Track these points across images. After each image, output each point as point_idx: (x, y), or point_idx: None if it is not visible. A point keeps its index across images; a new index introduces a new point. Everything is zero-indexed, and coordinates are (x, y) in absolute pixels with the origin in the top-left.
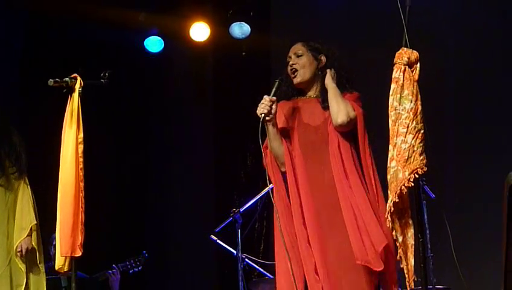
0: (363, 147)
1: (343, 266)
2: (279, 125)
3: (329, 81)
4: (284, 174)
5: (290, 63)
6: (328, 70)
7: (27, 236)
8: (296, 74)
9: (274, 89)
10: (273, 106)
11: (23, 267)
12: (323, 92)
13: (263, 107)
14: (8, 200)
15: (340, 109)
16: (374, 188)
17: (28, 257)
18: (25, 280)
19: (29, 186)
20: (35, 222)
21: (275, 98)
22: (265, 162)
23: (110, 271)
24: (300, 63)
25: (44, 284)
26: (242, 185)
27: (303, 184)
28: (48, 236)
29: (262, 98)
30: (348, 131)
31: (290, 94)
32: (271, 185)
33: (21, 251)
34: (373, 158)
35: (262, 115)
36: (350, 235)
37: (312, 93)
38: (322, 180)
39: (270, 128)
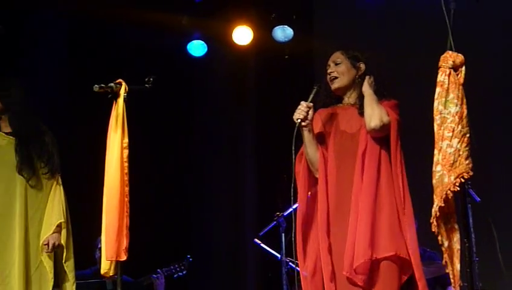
0: (394, 153)
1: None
2: (316, 131)
3: (366, 88)
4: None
5: (329, 71)
6: (366, 78)
7: (54, 232)
8: (334, 80)
9: (312, 95)
10: (310, 112)
11: (49, 264)
12: (361, 99)
13: (299, 112)
14: (40, 200)
15: (374, 114)
16: (402, 196)
17: (57, 255)
18: (52, 278)
19: (61, 187)
20: (63, 220)
21: (311, 104)
22: (297, 169)
23: (154, 275)
24: (339, 70)
25: (72, 283)
26: (285, 189)
27: (332, 192)
28: (93, 240)
29: (298, 108)
30: (381, 137)
31: (329, 102)
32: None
33: (47, 245)
34: (403, 165)
35: (299, 120)
36: (347, 240)
37: (350, 100)
38: (350, 188)
39: (306, 134)
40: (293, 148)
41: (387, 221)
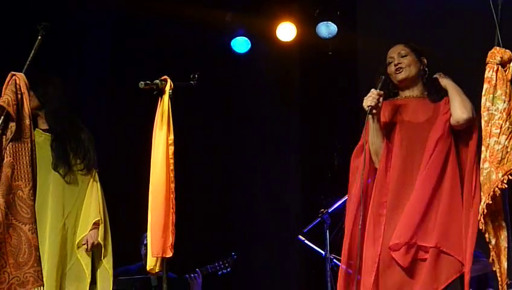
0: (473, 148)
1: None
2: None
3: (447, 81)
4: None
5: (395, 62)
6: (438, 74)
7: (91, 230)
8: (401, 70)
9: (381, 84)
10: (380, 100)
11: (86, 261)
12: (431, 91)
13: (370, 100)
14: (76, 197)
15: (466, 105)
16: (472, 191)
17: (95, 252)
18: (89, 275)
19: (98, 183)
20: (99, 217)
21: (382, 92)
22: (354, 165)
23: (192, 275)
24: (406, 62)
25: (111, 280)
26: (329, 185)
27: (393, 185)
28: (138, 237)
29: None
30: (459, 130)
31: (388, 95)
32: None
33: (86, 244)
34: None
35: (370, 107)
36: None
37: (413, 93)
38: (413, 179)
39: (375, 123)
40: (364, 136)
41: (444, 212)
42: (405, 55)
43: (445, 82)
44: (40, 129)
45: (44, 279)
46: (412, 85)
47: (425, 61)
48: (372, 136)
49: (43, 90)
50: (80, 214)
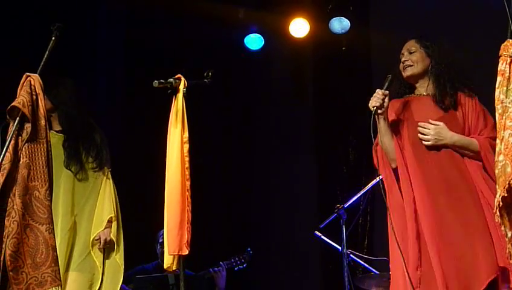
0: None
1: (454, 265)
2: (389, 120)
3: (452, 139)
4: (394, 170)
5: (403, 59)
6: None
7: (106, 228)
8: (407, 68)
9: (387, 83)
10: (386, 100)
11: (98, 258)
12: (438, 88)
13: (375, 100)
14: (89, 195)
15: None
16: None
17: (107, 249)
18: (101, 272)
19: (111, 181)
20: (113, 214)
21: (387, 92)
22: (376, 160)
23: (216, 268)
24: (413, 59)
25: (121, 278)
26: (345, 181)
27: (416, 180)
28: (154, 235)
29: (373, 92)
30: None
31: (402, 92)
32: (375, 181)
33: (99, 240)
34: None
35: (375, 107)
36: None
37: (423, 90)
38: (436, 176)
39: (382, 123)
40: (373, 136)
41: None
42: (414, 52)
43: (450, 141)
44: (54, 131)
45: None
46: (420, 81)
47: (437, 57)
48: (381, 136)
49: (55, 92)
50: (94, 212)
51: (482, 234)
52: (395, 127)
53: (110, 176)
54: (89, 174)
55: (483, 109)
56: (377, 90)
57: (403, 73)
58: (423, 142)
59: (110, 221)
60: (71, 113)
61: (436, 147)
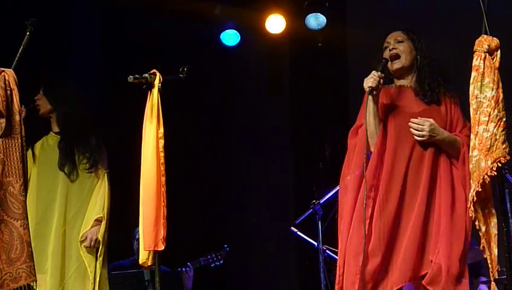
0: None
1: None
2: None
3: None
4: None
5: (390, 47)
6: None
7: (92, 227)
8: (396, 59)
9: (381, 66)
10: (381, 82)
11: (88, 260)
12: (419, 83)
13: (372, 80)
14: (84, 197)
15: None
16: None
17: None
18: (92, 273)
19: (107, 183)
20: (102, 215)
21: (383, 74)
22: (352, 143)
23: (183, 269)
24: (402, 48)
25: (106, 277)
26: (321, 176)
27: (386, 169)
28: (131, 231)
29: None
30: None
31: (385, 80)
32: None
33: (85, 240)
34: None
35: (370, 88)
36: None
37: (406, 82)
38: (403, 169)
39: (373, 105)
40: (366, 118)
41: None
42: (401, 41)
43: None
44: (53, 132)
45: (48, 278)
46: (405, 74)
47: (423, 50)
48: (369, 117)
49: (54, 93)
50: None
51: (416, 235)
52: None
53: (106, 178)
54: (84, 176)
55: (460, 109)
56: (373, 71)
57: (390, 65)
58: (416, 137)
59: (98, 220)
60: (68, 114)
61: (421, 142)
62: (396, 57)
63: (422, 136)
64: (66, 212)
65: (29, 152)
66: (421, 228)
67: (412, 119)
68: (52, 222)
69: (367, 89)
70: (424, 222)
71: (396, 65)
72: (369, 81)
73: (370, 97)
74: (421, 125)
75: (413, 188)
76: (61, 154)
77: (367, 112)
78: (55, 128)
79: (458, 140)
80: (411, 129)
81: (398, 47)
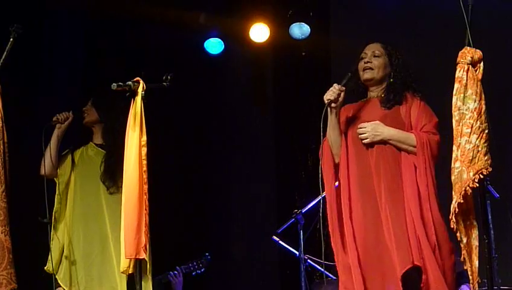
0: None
1: (382, 262)
2: (341, 120)
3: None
4: (337, 165)
5: (366, 60)
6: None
7: None
8: (368, 70)
9: (345, 80)
10: (342, 95)
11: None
12: (386, 92)
13: (331, 93)
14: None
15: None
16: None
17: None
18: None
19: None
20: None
21: (344, 87)
22: (320, 153)
23: (172, 273)
24: (376, 63)
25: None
26: (303, 186)
27: (353, 179)
28: None
29: (330, 89)
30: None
31: (357, 92)
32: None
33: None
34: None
35: (329, 100)
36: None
37: (375, 94)
38: (370, 173)
39: (333, 117)
40: (322, 128)
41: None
42: (378, 56)
43: (387, 136)
44: (94, 143)
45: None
46: (375, 86)
47: (397, 66)
48: (329, 129)
49: (103, 106)
50: None
51: (401, 230)
52: (344, 128)
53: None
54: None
55: (427, 108)
56: (334, 84)
57: (361, 73)
58: (362, 141)
59: None
60: (116, 131)
61: (373, 144)
62: (370, 69)
63: (366, 137)
64: (106, 221)
65: (69, 158)
66: (401, 224)
67: (358, 125)
68: (100, 224)
69: (326, 102)
70: (400, 220)
71: (366, 75)
72: (328, 94)
73: (329, 110)
74: (363, 128)
75: (379, 188)
76: (103, 169)
77: (328, 125)
78: (97, 140)
79: (411, 137)
80: (358, 135)
81: (374, 61)
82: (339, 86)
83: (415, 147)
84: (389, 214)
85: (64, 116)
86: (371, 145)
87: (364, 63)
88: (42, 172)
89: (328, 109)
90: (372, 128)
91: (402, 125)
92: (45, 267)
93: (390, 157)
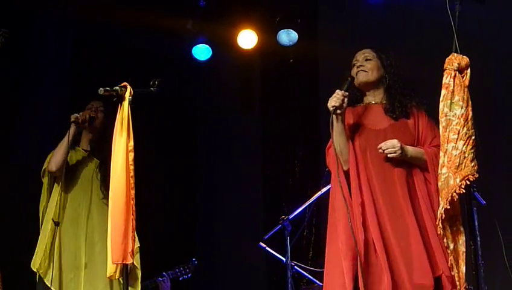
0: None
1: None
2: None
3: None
4: (346, 172)
5: (358, 64)
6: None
7: None
8: (361, 73)
9: (346, 85)
10: (345, 100)
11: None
12: (390, 100)
13: (335, 100)
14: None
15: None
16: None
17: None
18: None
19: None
20: (138, 245)
21: (347, 93)
22: (328, 161)
23: (160, 278)
24: (368, 66)
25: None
26: (290, 192)
27: (365, 185)
28: None
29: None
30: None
31: (353, 98)
32: (320, 193)
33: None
34: None
35: (334, 107)
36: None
37: (373, 99)
38: (384, 183)
39: (339, 124)
40: (332, 136)
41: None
42: (369, 59)
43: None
44: (82, 149)
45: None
46: (372, 90)
47: (389, 69)
48: (336, 136)
49: (106, 117)
50: None
51: (417, 244)
52: (349, 134)
53: None
54: None
55: (431, 120)
56: (337, 90)
57: (356, 78)
58: (388, 155)
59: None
60: (103, 138)
61: (388, 158)
62: (364, 72)
63: (395, 152)
64: (95, 232)
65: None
66: (420, 235)
67: (380, 145)
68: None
69: (331, 109)
70: (421, 230)
71: (361, 77)
72: (333, 101)
73: (334, 116)
74: (391, 147)
75: (393, 200)
76: (101, 178)
77: (333, 132)
78: (84, 145)
79: (422, 152)
80: (384, 151)
81: (366, 65)
82: (342, 91)
83: (425, 162)
84: (416, 224)
85: (83, 118)
86: (377, 155)
87: (357, 67)
88: (52, 168)
89: (333, 116)
90: (395, 146)
91: (412, 139)
92: (31, 264)
93: (406, 170)
